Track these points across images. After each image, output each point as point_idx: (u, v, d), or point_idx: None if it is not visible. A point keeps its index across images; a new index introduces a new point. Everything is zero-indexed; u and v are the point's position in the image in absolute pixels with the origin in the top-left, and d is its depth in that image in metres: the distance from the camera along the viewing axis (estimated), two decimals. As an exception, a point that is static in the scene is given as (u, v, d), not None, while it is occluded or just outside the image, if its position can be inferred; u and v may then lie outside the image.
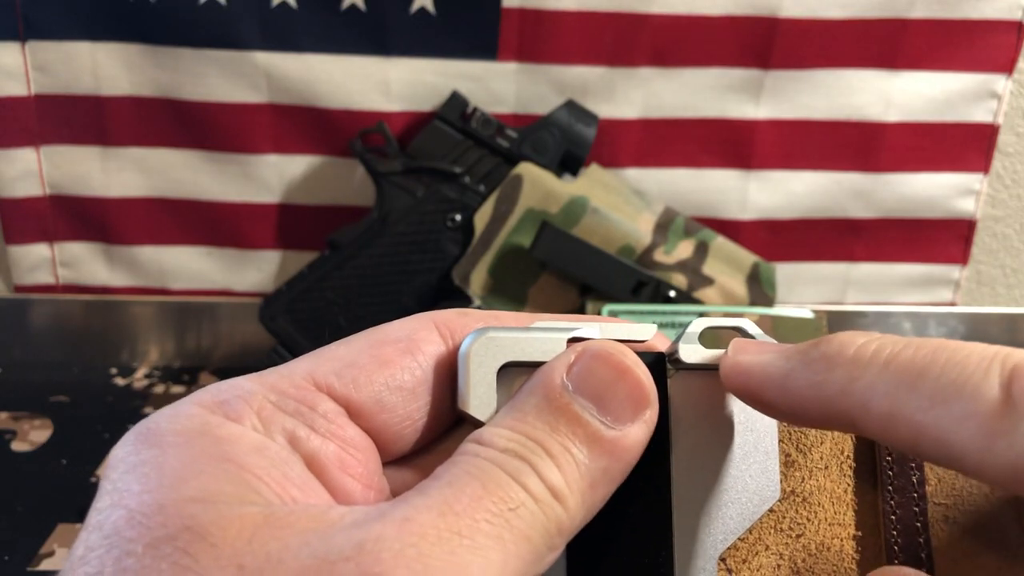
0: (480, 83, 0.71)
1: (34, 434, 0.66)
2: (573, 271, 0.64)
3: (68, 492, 0.59)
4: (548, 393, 0.20)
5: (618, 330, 0.23)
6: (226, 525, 0.17)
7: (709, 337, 0.23)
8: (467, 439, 0.20)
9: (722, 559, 0.22)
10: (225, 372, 0.75)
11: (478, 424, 0.22)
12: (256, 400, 0.20)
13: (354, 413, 0.21)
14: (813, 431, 0.23)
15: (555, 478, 0.19)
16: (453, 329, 0.23)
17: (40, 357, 0.75)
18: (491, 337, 0.22)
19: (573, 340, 0.22)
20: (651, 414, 0.21)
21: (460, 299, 0.67)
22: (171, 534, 0.17)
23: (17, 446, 0.64)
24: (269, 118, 0.71)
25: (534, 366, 0.22)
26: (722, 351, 0.22)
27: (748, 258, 0.69)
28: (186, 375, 0.74)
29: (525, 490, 0.19)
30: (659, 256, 0.66)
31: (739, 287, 0.68)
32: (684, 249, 0.67)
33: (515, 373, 0.22)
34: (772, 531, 0.23)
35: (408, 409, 0.22)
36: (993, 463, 0.16)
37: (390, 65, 0.70)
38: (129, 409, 0.69)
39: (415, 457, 0.23)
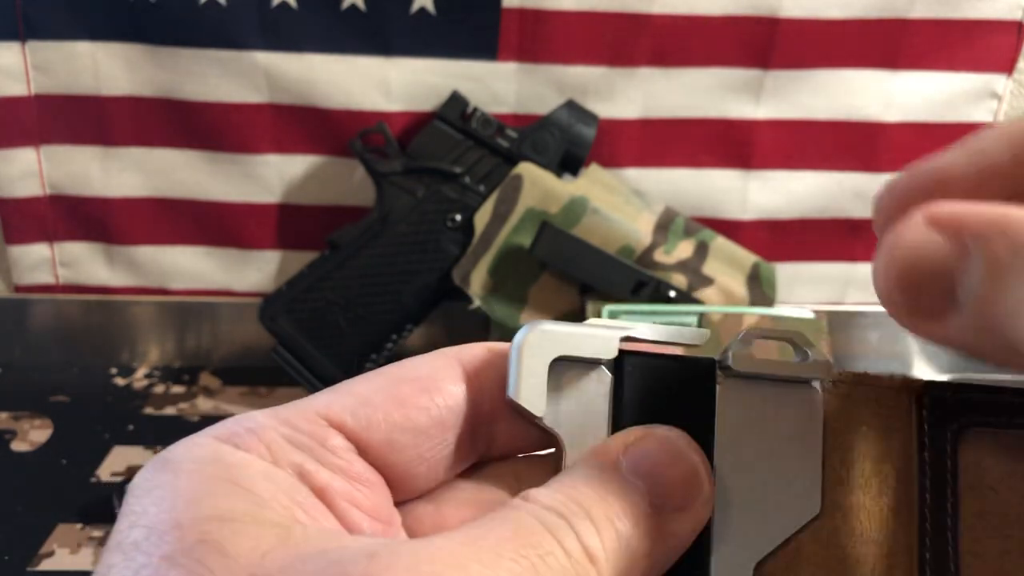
0: (480, 83, 0.71)
1: (34, 434, 0.66)
2: (573, 271, 0.64)
3: (68, 492, 0.59)
4: (602, 465, 0.20)
5: (672, 333, 0.23)
6: (240, 540, 0.17)
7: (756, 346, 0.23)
8: (516, 497, 0.20)
9: (759, 567, 0.22)
10: (225, 372, 0.75)
11: (530, 416, 0.22)
12: (267, 433, 0.20)
13: (364, 451, 0.21)
14: (857, 446, 0.23)
15: (593, 542, 0.19)
16: (479, 368, 0.23)
17: (40, 357, 0.75)
18: (545, 330, 0.22)
19: (626, 339, 0.22)
20: (702, 505, 0.21)
21: (460, 299, 0.67)
22: (187, 547, 0.17)
23: (17, 446, 0.64)
24: (269, 118, 0.71)
25: (586, 362, 0.22)
26: (774, 359, 0.22)
27: (748, 258, 0.69)
28: (186, 375, 0.74)
29: (559, 544, 0.18)
30: (659, 256, 0.66)
31: (739, 287, 0.68)
32: (684, 249, 0.67)
33: (566, 368, 0.22)
34: (810, 542, 0.23)
35: (420, 449, 0.22)
36: None
37: (390, 65, 0.70)
38: (129, 409, 0.69)
39: (433, 495, 0.23)
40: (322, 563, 0.17)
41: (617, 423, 0.22)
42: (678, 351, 0.23)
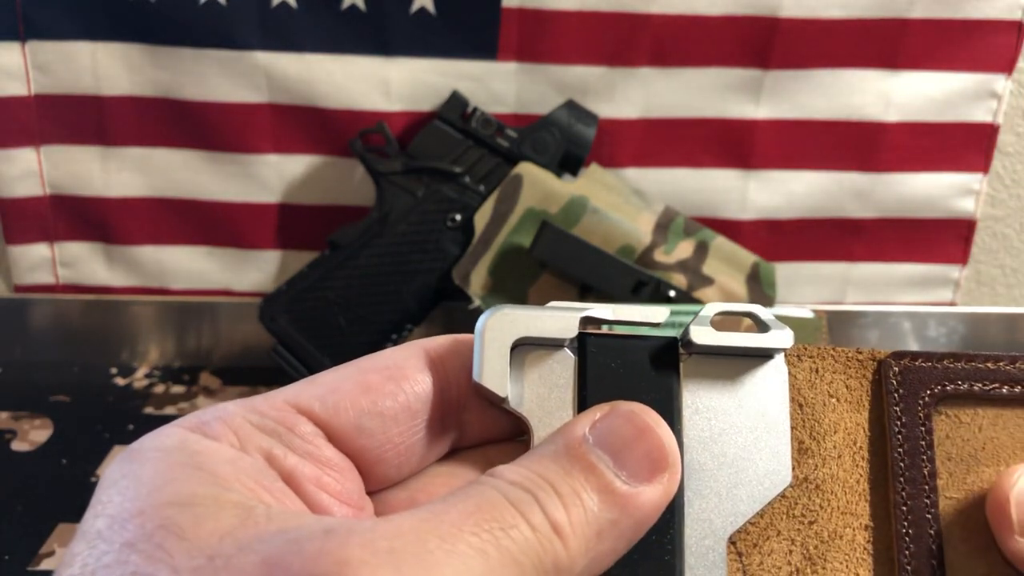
0: (480, 83, 0.71)
1: (34, 434, 0.66)
2: (573, 271, 0.64)
3: (68, 492, 0.59)
4: (568, 441, 0.21)
5: (631, 312, 0.23)
6: (200, 524, 0.17)
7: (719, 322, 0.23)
8: (483, 474, 0.20)
9: (732, 541, 0.22)
10: (225, 372, 0.75)
11: (494, 398, 0.22)
12: (235, 420, 0.21)
13: (333, 436, 0.22)
14: (827, 419, 0.23)
15: (559, 515, 0.19)
16: (445, 359, 0.23)
17: (40, 357, 0.75)
18: (506, 313, 0.22)
19: (586, 320, 0.23)
20: (670, 478, 0.21)
21: (460, 299, 0.67)
22: (147, 533, 0.17)
23: (17, 446, 0.64)
24: (269, 118, 0.71)
25: (547, 343, 0.22)
26: (736, 334, 0.22)
27: (748, 258, 0.69)
28: (186, 375, 0.74)
29: (523, 517, 0.18)
30: (659, 256, 0.66)
31: (739, 287, 0.68)
32: (684, 249, 0.67)
33: (529, 350, 0.23)
34: (784, 517, 0.23)
35: (388, 434, 0.22)
36: None
37: (390, 65, 0.70)
38: (129, 409, 0.69)
39: (406, 483, 0.23)
40: (279, 541, 0.17)
41: (582, 403, 0.22)
42: (640, 331, 0.23)
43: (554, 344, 0.23)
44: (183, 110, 0.70)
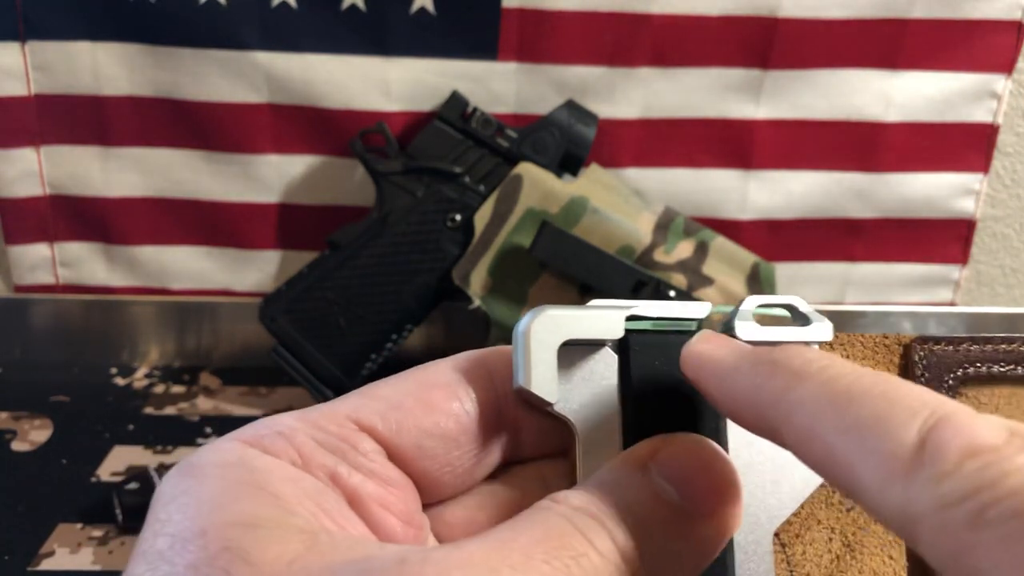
0: (480, 83, 0.71)
1: (34, 434, 0.66)
2: (573, 271, 0.64)
3: (68, 492, 0.59)
4: (631, 468, 0.20)
5: (675, 308, 0.22)
6: (265, 548, 0.17)
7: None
8: (544, 498, 0.19)
9: (776, 535, 0.22)
10: (225, 372, 0.75)
11: (540, 404, 0.22)
12: (297, 437, 0.20)
13: (394, 455, 0.21)
14: None
15: (627, 543, 0.18)
16: (505, 373, 0.22)
17: (40, 357, 0.75)
18: (550, 315, 0.22)
19: (632, 318, 0.22)
20: (734, 512, 0.20)
21: (460, 299, 0.67)
22: (211, 555, 0.17)
23: (17, 446, 0.64)
24: (269, 118, 0.71)
25: (590, 345, 0.22)
26: (779, 328, 0.22)
27: (748, 258, 0.69)
28: (186, 375, 0.74)
29: (591, 545, 0.18)
30: (659, 256, 0.66)
31: (739, 287, 0.68)
32: (684, 249, 0.67)
33: (570, 352, 0.22)
34: (823, 506, 0.23)
35: (449, 456, 0.22)
36: (884, 506, 0.16)
37: (390, 65, 0.70)
38: (129, 409, 0.69)
39: (460, 499, 0.23)
40: (351, 572, 0.16)
41: (626, 403, 0.22)
42: (682, 327, 0.23)
43: (596, 344, 0.22)
44: (183, 110, 0.70)
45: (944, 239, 0.78)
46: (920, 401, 0.16)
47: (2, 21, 0.68)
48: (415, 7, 0.68)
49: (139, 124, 0.71)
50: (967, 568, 0.14)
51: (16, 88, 0.70)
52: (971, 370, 0.23)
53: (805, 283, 0.79)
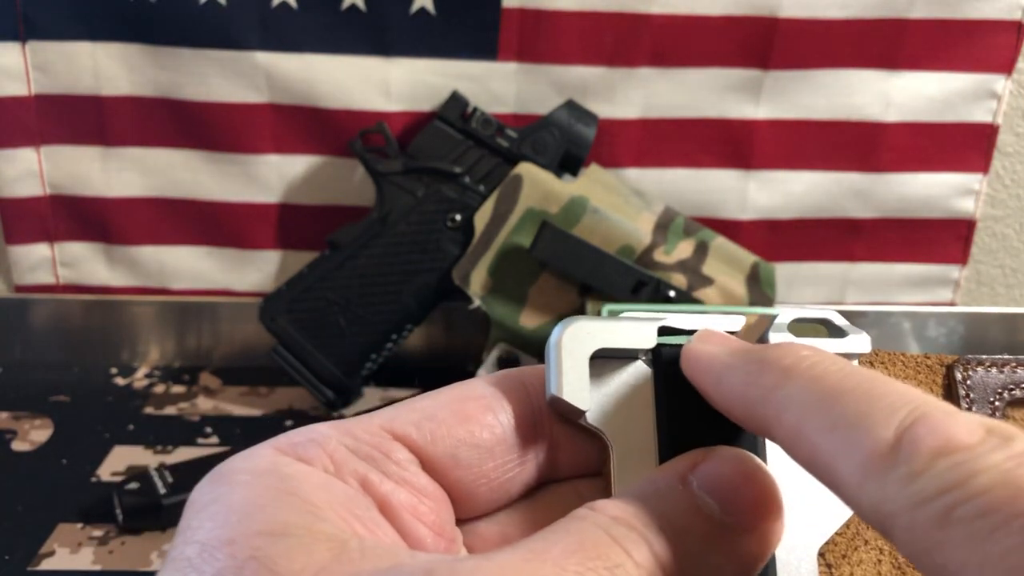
0: (480, 83, 0.71)
1: (34, 434, 0.66)
2: (573, 271, 0.64)
3: (68, 492, 0.59)
4: (670, 480, 0.20)
5: (708, 320, 0.22)
6: (292, 557, 0.17)
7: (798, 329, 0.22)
8: (581, 507, 0.19)
9: (821, 554, 0.22)
10: (225, 372, 0.75)
11: (573, 413, 0.21)
12: (330, 444, 0.20)
13: (428, 465, 0.21)
14: None
15: (666, 556, 0.18)
16: (542, 390, 0.22)
17: (40, 357, 0.75)
18: (582, 325, 0.22)
19: (664, 330, 0.22)
20: (776, 527, 0.20)
21: (460, 299, 0.67)
22: (238, 564, 0.17)
23: (17, 446, 0.64)
24: (269, 118, 0.71)
25: (622, 356, 0.22)
26: (816, 339, 0.22)
27: (748, 258, 0.69)
28: (186, 375, 0.74)
29: (629, 556, 0.18)
30: (659, 256, 0.66)
31: (739, 287, 0.68)
32: (684, 249, 0.67)
33: (602, 363, 0.22)
34: (870, 526, 0.23)
35: (484, 467, 0.22)
36: (861, 501, 0.16)
37: (390, 65, 0.70)
38: (129, 409, 0.69)
39: (495, 515, 0.23)
40: None
41: (661, 415, 0.22)
42: None
43: (628, 356, 0.22)
44: (183, 110, 0.70)
45: (944, 239, 0.78)
46: (903, 399, 0.16)
47: (2, 21, 0.68)
48: (415, 7, 0.68)
49: (139, 124, 0.71)
50: (935, 566, 0.14)
51: (16, 88, 0.70)
52: (1017, 392, 0.23)
53: (805, 283, 0.79)
